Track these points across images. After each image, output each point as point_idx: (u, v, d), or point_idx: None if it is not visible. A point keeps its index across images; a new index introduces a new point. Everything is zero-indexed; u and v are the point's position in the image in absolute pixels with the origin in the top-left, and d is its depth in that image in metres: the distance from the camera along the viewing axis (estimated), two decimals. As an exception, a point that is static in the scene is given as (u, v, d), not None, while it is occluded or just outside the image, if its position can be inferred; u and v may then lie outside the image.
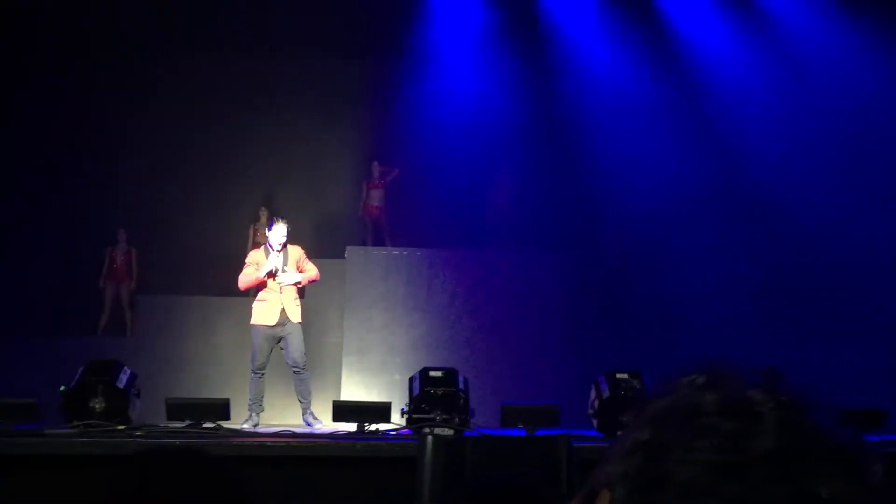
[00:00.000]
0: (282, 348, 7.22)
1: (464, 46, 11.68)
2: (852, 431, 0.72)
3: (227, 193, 11.37)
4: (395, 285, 9.59)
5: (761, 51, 11.17)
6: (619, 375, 5.82)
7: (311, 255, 10.46)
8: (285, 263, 7.14)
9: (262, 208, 10.96)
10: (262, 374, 7.23)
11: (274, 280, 7.05)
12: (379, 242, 10.60)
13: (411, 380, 6.03)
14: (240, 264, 10.42)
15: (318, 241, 11.05)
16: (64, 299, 10.49)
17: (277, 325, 7.08)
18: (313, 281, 7.51)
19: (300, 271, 7.21)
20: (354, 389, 9.35)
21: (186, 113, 11.32)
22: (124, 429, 5.12)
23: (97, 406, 5.17)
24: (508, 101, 11.38)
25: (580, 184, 11.29)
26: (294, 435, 5.04)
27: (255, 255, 7.29)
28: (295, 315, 7.11)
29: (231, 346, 9.84)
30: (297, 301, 7.22)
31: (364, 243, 10.72)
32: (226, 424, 5.56)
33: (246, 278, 7.22)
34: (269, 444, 4.48)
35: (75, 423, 5.16)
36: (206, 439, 4.69)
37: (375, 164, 11.10)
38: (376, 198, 10.92)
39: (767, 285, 10.36)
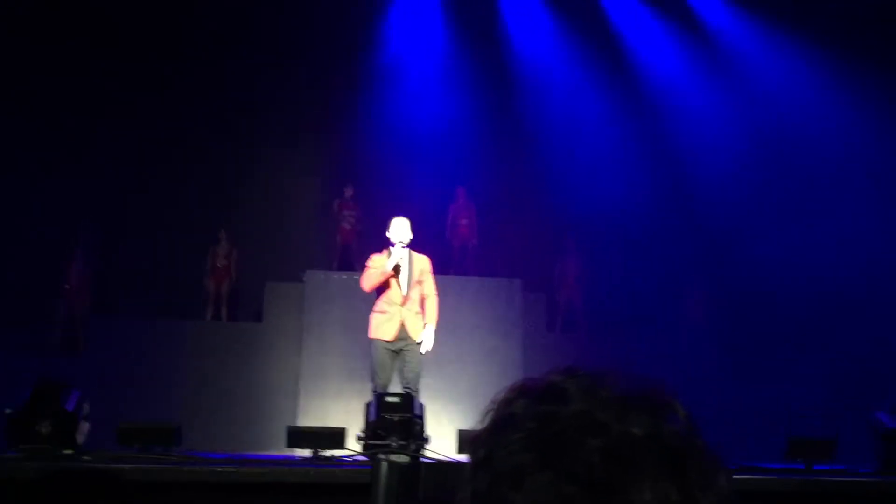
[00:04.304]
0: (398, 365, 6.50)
1: (424, 70, 11.83)
2: (653, 381, 0.78)
3: (184, 215, 11.25)
4: (354, 310, 9.52)
5: (716, 81, 11.52)
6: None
7: (270, 277, 10.42)
8: (409, 267, 6.48)
9: (222, 231, 10.85)
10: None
11: (396, 277, 6.39)
12: (346, 265, 10.51)
13: (368, 405, 5.97)
14: (195, 286, 10.28)
15: (276, 263, 10.97)
16: (15, 315, 10.23)
17: (397, 339, 6.40)
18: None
19: (419, 283, 6.51)
20: (312, 414, 9.26)
21: (144, 134, 11.22)
22: (71, 453, 4.99)
23: (43, 429, 5.03)
24: (469, 124, 11.52)
25: (541, 210, 11.43)
26: (246, 461, 4.96)
27: (377, 260, 6.52)
28: (416, 331, 6.45)
29: (185, 369, 9.71)
30: (420, 315, 6.52)
31: (331, 265, 10.68)
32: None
33: (370, 278, 6.44)
34: (219, 469, 4.40)
35: (20, 446, 5.02)
36: (156, 465, 4.59)
37: (349, 185, 11.07)
38: (349, 221, 10.91)
39: (722, 319, 10.58)
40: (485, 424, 0.78)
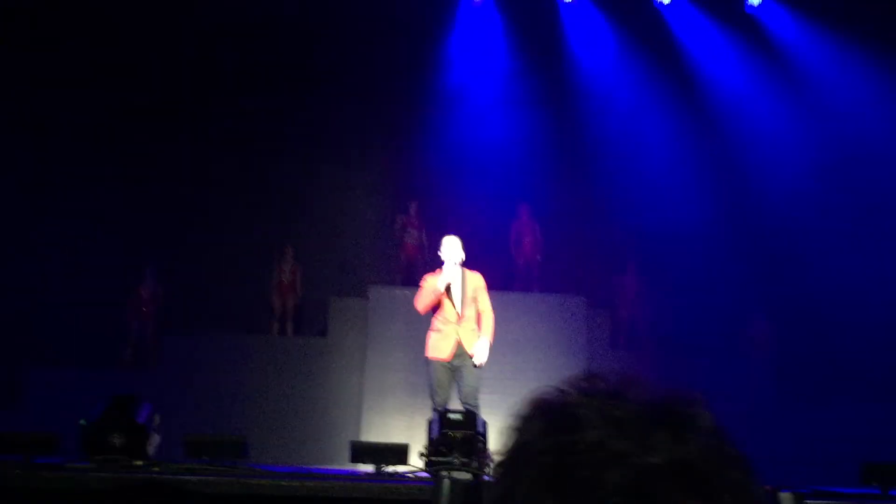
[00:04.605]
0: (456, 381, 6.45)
1: (487, 88, 11.87)
2: (676, 390, 0.73)
3: (250, 231, 11.45)
4: (417, 326, 9.55)
5: (781, 96, 11.30)
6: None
7: (332, 292, 10.53)
8: (462, 285, 6.46)
9: (287, 246, 11.02)
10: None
11: (449, 296, 6.38)
12: (411, 282, 10.53)
13: (430, 422, 5.98)
14: (262, 302, 10.42)
15: (340, 279, 11.10)
16: (91, 332, 10.53)
17: (453, 357, 6.37)
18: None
19: (474, 300, 6.49)
20: (374, 429, 9.31)
21: (213, 150, 11.48)
22: (142, 464, 5.13)
23: (116, 441, 5.18)
24: (531, 144, 11.51)
25: (606, 227, 11.33)
26: (311, 475, 5.02)
27: (430, 280, 6.52)
28: (473, 348, 6.39)
29: (251, 383, 9.86)
30: (476, 333, 6.48)
31: (396, 281, 10.75)
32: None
33: (422, 298, 6.46)
34: (284, 483, 4.46)
35: (94, 457, 5.18)
36: (223, 477, 4.67)
37: (413, 202, 11.11)
38: (414, 237, 10.96)
39: (787, 338, 10.32)
40: (504, 452, 0.75)
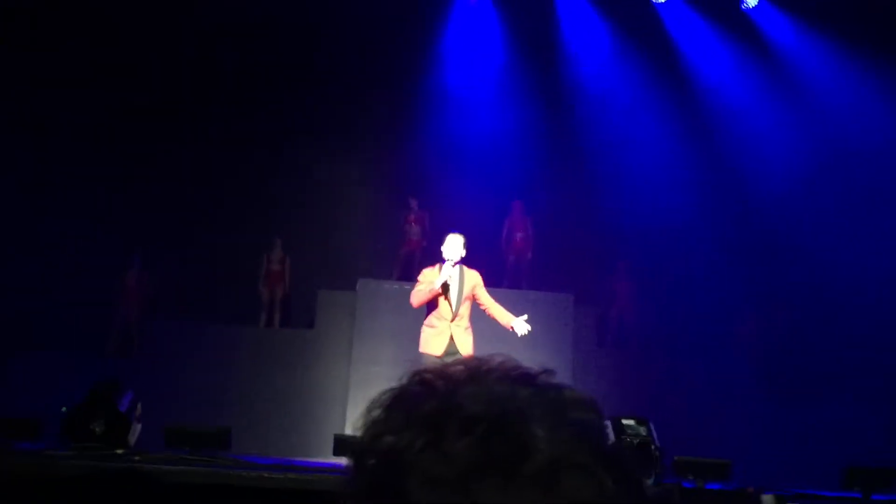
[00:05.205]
0: None
1: (482, 83, 11.83)
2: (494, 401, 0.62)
3: (239, 222, 11.37)
4: (405, 320, 9.52)
5: (774, 96, 11.32)
6: (625, 422, 5.75)
7: (322, 285, 10.48)
8: (460, 283, 6.45)
9: (276, 237, 10.96)
10: None
11: (446, 295, 6.39)
12: (407, 276, 10.50)
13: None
14: (250, 292, 10.36)
15: (329, 271, 11.05)
16: (75, 319, 10.46)
17: (445, 354, 6.36)
18: None
19: (469, 299, 6.52)
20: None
21: (202, 139, 11.40)
22: (122, 453, 5.08)
23: (97, 429, 5.14)
24: (525, 139, 11.47)
25: (596, 225, 11.31)
26: (292, 467, 4.99)
27: (427, 274, 6.54)
28: (465, 346, 6.43)
29: (237, 374, 9.81)
30: (469, 331, 6.55)
31: (390, 274, 10.75)
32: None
33: (419, 294, 6.47)
34: (266, 476, 4.43)
35: (75, 444, 5.14)
36: (203, 468, 4.64)
37: (413, 197, 11.14)
38: (416, 232, 11.02)
39: (776, 340, 10.35)
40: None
